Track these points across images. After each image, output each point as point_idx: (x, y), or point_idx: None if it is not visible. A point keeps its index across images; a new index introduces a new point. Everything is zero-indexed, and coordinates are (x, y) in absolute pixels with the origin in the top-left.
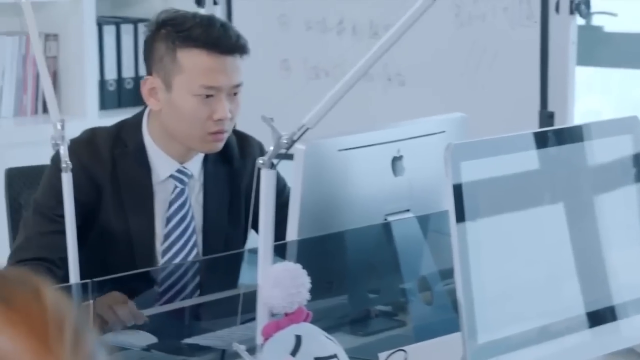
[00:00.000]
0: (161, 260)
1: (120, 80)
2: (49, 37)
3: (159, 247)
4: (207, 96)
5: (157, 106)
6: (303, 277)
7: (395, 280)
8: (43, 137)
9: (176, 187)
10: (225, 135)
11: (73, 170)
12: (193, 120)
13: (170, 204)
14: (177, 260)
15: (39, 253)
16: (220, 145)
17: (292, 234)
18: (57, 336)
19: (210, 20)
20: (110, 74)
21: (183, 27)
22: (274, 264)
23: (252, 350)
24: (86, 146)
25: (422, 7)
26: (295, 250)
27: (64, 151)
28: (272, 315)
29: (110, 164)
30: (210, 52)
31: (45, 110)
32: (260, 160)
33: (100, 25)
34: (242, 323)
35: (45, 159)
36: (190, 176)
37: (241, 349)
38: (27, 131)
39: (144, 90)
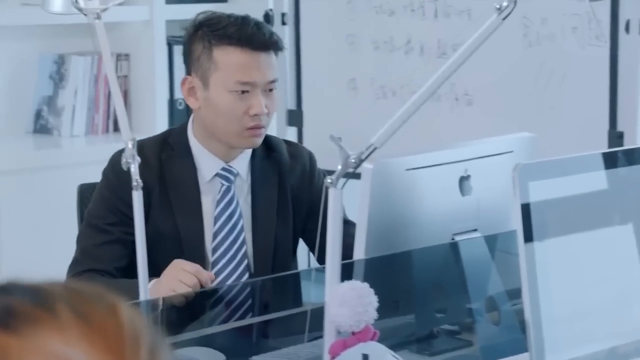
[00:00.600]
0: (211, 258)
1: None
2: (121, 57)
3: (209, 246)
4: (243, 92)
5: (196, 104)
6: (370, 296)
7: (463, 300)
8: None
9: (222, 185)
10: (263, 131)
11: (123, 178)
12: (230, 116)
13: (218, 203)
14: (226, 258)
15: (93, 265)
16: (258, 141)
17: (359, 252)
18: (133, 352)
19: (244, 19)
20: (180, 93)
21: (218, 27)
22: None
23: None
24: (142, 147)
25: (490, 27)
26: (363, 269)
27: (134, 169)
28: (339, 333)
29: (158, 167)
30: (244, 49)
31: (116, 128)
32: (328, 180)
33: (170, 45)
34: (309, 341)
35: None
36: (236, 175)
37: None
38: (99, 149)
39: (184, 89)
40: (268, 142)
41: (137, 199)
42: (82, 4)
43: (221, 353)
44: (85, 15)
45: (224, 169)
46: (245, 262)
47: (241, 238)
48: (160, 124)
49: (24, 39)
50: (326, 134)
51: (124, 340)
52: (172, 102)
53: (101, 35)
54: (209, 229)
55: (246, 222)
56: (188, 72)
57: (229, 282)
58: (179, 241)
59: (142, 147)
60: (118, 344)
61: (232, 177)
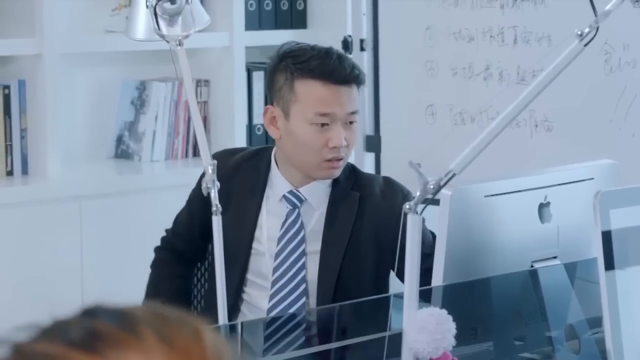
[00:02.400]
0: (271, 278)
1: None
2: (200, 83)
3: (270, 265)
4: (323, 125)
5: (277, 134)
6: (448, 322)
7: (542, 328)
8: (193, 180)
9: (288, 208)
10: (342, 163)
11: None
12: (309, 147)
13: (282, 224)
14: (285, 279)
15: (172, 238)
16: (336, 172)
17: (437, 279)
18: None
19: (327, 52)
20: (258, 119)
21: (301, 59)
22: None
23: None
24: (222, 155)
25: (571, 53)
26: (441, 296)
27: (214, 194)
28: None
29: (235, 170)
30: (325, 83)
31: (195, 154)
32: (406, 206)
33: (249, 71)
34: None
35: None
36: (303, 200)
37: None
38: (178, 174)
39: (265, 119)
40: (358, 177)
41: (217, 224)
42: (164, 31)
43: None
44: (167, 42)
45: (290, 192)
46: (303, 286)
47: (300, 262)
48: None
49: (107, 65)
50: (404, 160)
51: None
52: (250, 127)
53: (182, 61)
54: (272, 248)
55: (315, 248)
56: (270, 102)
57: (285, 303)
58: (225, 243)
59: (237, 150)
60: None
61: (297, 202)
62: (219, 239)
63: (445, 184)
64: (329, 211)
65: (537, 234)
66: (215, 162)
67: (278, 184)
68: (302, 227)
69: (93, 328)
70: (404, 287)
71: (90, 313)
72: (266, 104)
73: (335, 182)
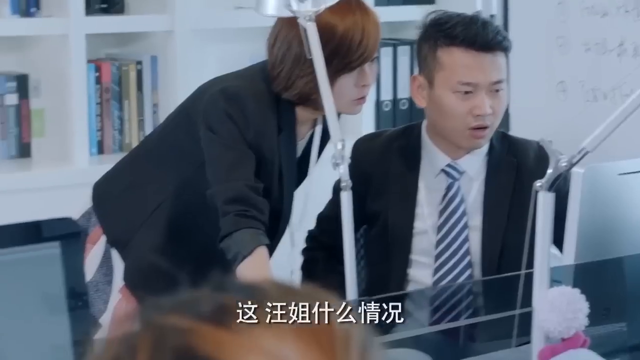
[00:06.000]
0: (434, 252)
1: (395, 101)
2: None
3: (433, 239)
4: (466, 92)
5: (423, 103)
6: (581, 302)
7: None
8: (323, 157)
9: (448, 181)
10: (487, 132)
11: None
12: (453, 115)
13: (443, 198)
14: (449, 252)
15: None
16: (482, 142)
17: (569, 257)
18: (344, 350)
19: (472, 19)
20: (386, 95)
21: (445, 27)
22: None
23: None
24: (362, 142)
25: None
26: (572, 275)
27: (344, 170)
28: (548, 339)
29: (383, 152)
30: (468, 49)
31: None
32: (537, 183)
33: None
34: (517, 346)
35: (329, 177)
36: (461, 172)
37: None
38: None
39: (412, 87)
40: (512, 142)
41: (347, 199)
42: (294, 6)
43: (428, 355)
44: (297, 17)
45: (449, 165)
46: (468, 258)
47: (464, 234)
48: (366, 126)
49: (237, 41)
50: (535, 137)
51: (335, 339)
52: (378, 103)
53: (312, 37)
54: (434, 222)
55: (476, 220)
56: (419, 71)
57: (450, 277)
58: (387, 228)
59: (381, 133)
60: (329, 342)
61: (456, 175)
62: (348, 216)
63: (578, 161)
64: (487, 181)
65: None
66: (344, 139)
67: (434, 158)
68: (462, 200)
69: (222, 302)
70: (534, 265)
71: (220, 287)
72: (395, 82)
73: (491, 150)
